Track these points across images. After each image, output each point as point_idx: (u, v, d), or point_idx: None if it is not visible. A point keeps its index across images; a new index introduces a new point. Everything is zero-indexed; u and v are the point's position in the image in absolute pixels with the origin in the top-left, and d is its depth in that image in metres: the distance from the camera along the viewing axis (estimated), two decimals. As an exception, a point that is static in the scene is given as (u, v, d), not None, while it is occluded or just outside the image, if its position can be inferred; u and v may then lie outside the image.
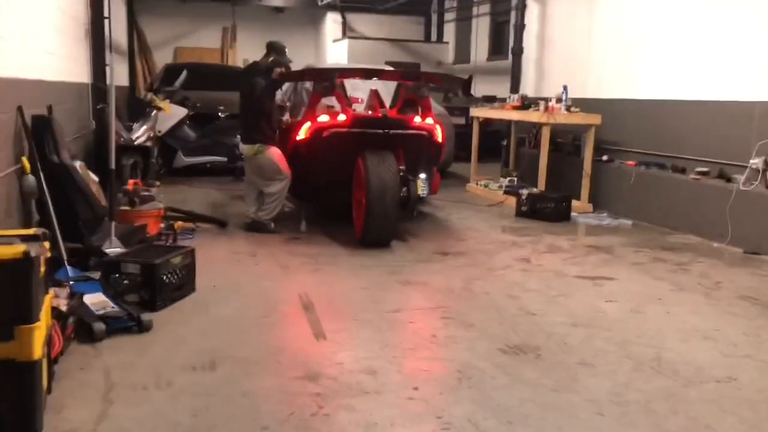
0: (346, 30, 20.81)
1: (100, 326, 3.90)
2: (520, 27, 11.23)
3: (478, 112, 10.46)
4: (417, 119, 6.95)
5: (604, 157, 8.99)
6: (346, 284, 5.35)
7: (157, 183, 9.95)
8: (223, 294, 4.89)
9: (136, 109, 9.32)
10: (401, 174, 6.59)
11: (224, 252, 6.16)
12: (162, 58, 20.02)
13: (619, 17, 9.17)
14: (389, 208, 6.24)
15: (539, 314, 4.69)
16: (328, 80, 6.82)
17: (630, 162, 8.61)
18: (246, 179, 7.28)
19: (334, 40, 20.93)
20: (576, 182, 9.00)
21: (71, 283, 4.24)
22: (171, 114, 10.27)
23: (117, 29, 16.55)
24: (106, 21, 9.95)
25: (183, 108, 10.62)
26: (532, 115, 9.16)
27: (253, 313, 4.50)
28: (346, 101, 7.06)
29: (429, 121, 7.03)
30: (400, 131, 6.68)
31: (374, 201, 6.21)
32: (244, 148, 7.03)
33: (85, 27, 9.14)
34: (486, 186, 10.20)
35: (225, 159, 10.70)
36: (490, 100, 11.62)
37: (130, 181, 6.46)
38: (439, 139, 7.12)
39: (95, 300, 4.16)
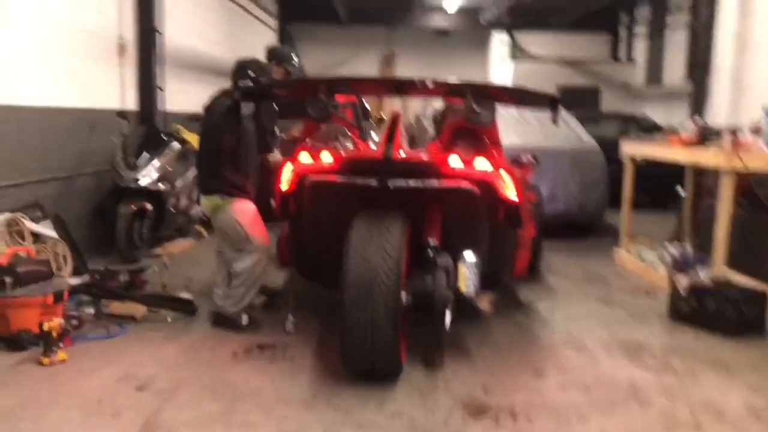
0: (517, 51, 18.04)
1: None
2: (706, 26, 7.67)
3: (632, 149, 7.06)
4: (453, 161, 3.99)
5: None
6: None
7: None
8: None
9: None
10: (433, 252, 3.82)
11: (107, 377, 3.73)
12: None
13: None
14: (381, 314, 3.47)
15: None
16: (318, 98, 4.17)
17: None
18: (216, 248, 4.85)
19: (501, 63, 18.33)
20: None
21: None
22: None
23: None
24: (157, 35, 8.15)
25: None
26: (703, 156, 5.73)
27: None
28: (360, 132, 4.37)
29: (481, 165, 4.05)
30: (413, 184, 3.82)
31: (352, 301, 3.50)
32: (202, 202, 4.64)
33: (118, 43, 7.43)
34: (640, 257, 6.84)
35: None
36: (649, 130, 8.13)
37: (7, 251, 4.28)
38: (510, 197, 4.12)
39: None
